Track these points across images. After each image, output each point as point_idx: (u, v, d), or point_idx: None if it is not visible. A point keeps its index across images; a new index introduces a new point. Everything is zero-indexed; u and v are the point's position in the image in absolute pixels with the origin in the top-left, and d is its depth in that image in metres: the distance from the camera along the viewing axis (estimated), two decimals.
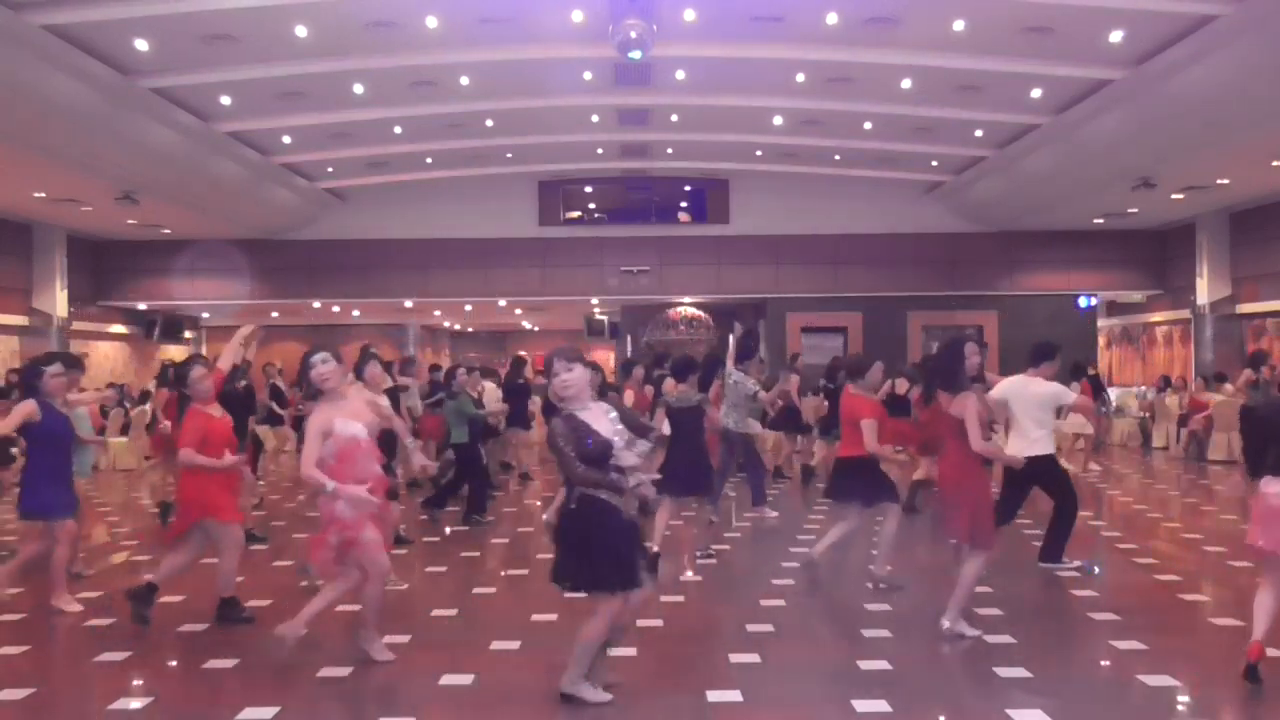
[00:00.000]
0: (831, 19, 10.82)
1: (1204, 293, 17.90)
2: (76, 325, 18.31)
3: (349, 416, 5.28)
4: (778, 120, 15.14)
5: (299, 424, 12.26)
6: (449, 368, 11.91)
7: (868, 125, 14.89)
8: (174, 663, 5.62)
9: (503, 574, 7.78)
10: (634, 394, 11.24)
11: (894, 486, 7.27)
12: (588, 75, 12.97)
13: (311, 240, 19.47)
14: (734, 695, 4.89)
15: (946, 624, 5.81)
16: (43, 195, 15.07)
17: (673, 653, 5.66)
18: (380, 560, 5.35)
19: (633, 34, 10.16)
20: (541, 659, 5.57)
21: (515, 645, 5.79)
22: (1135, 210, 17.23)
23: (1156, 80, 11.43)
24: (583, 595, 4.88)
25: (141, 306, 20.78)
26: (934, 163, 17.09)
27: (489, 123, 15.06)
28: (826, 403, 11.81)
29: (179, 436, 6.32)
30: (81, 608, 6.63)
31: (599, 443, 4.56)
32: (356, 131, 14.86)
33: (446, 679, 5.20)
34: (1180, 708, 4.82)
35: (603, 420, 4.65)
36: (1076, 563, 7.49)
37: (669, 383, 8.66)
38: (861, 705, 4.70)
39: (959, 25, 10.86)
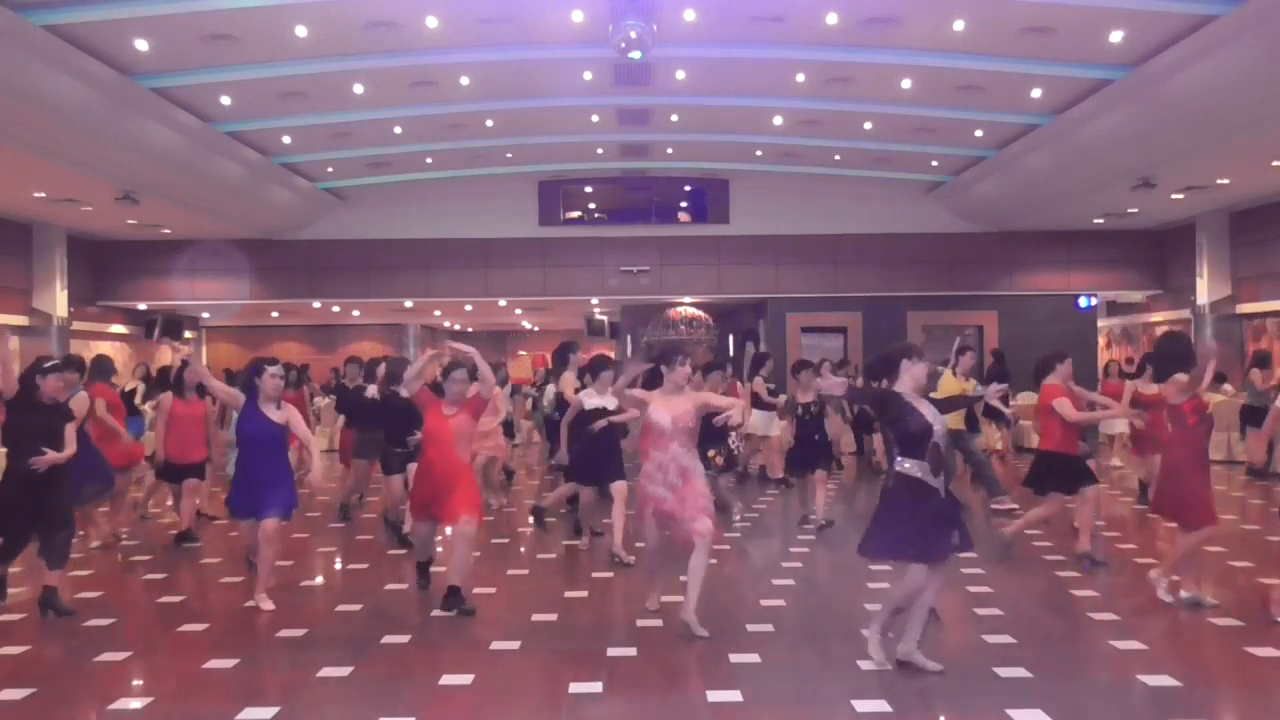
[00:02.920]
0: (831, 19, 10.81)
1: (1204, 293, 17.89)
2: (76, 325, 18.30)
3: (663, 408, 6.10)
4: (778, 120, 15.13)
5: None
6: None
7: (868, 125, 14.88)
8: (174, 663, 5.62)
9: (503, 574, 7.78)
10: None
11: (1091, 471, 8.09)
12: (588, 75, 12.96)
13: (311, 240, 19.45)
14: (734, 695, 4.89)
15: (1184, 594, 6.48)
16: (43, 195, 15.05)
17: (673, 653, 5.66)
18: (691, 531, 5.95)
19: (633, 34, 10.14)
20: (541, 659, 5.58)
21: (515, 645, 5.79)
22: (1135, 210, 17.22)
23: (1156, 80, 11.43)
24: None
25: (141, 306, 20.77)
26: (934, 163, 17.08)
27: (489, 123, 15.05)
28: None
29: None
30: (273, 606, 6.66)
31: (921, 424, 5.10)
32: (356, 131, 14.84)
33: (446, 679, 5.21)
34: (1180, 708, 4.82)
35: (925, 406, 5.22)
36: None
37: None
38: (861, 705, 4.70)
39: (959, 25, 10.85)
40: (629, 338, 22.88)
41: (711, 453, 9.73)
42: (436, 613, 6.54)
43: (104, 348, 19.72)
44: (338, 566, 8.25)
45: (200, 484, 9.54)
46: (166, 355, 9.73)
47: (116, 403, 9.57)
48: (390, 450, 9.31)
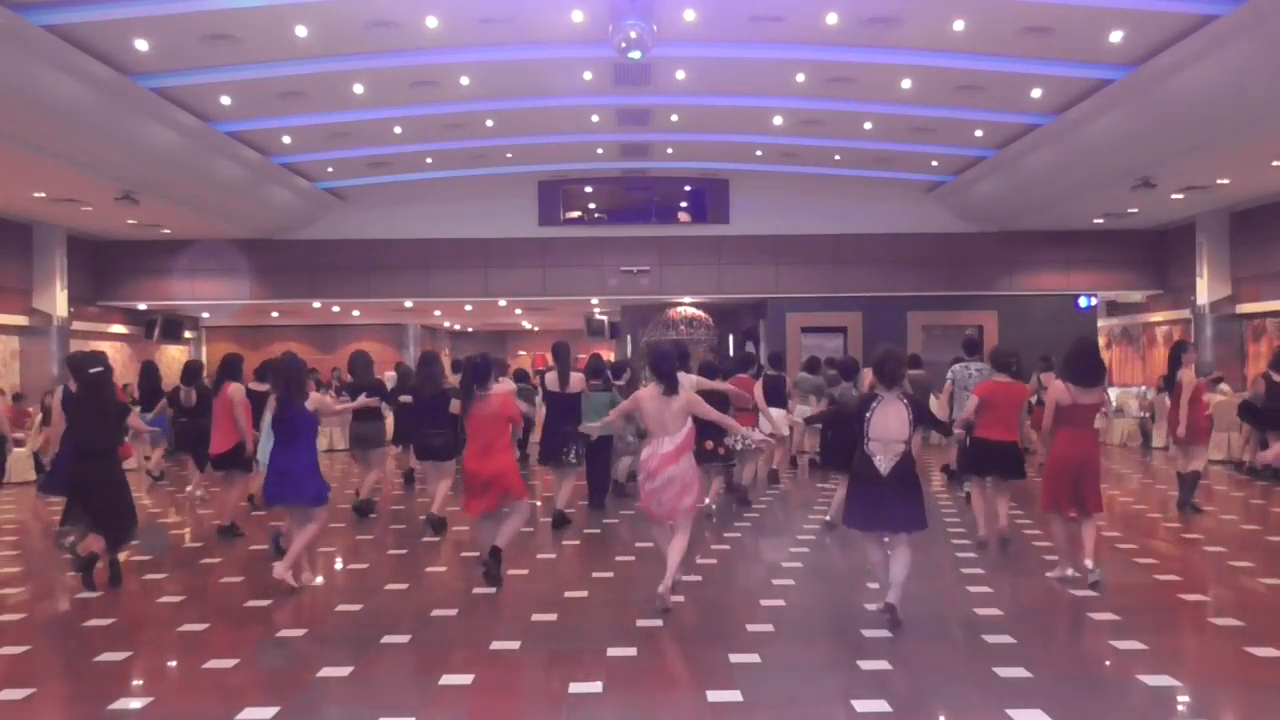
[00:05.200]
0: (831, 19, 10.82)
1: (1204, 293, 17.90)
2: (76, 325, 18.32)
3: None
4: (778, 120, 15.14)
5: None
6: (616, 362, 12.72)
7: (868, 125, 14.89)
8: (174, 663, 5.62)
9: (504, 573, 7.76)
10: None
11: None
12: (588, 75, 12.97)
13: (311, 240, 19.47)
14: (734, 695, 4.89)
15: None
16: (43, 195, 15.06)
17: (673, 653, 5.66)
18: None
19: (633, 34, 10.15)
20: (541, 659, 5.58)
21: (515, 645, 5.79)
22: (1135, 210, 17.23)
23: (1156, 80, 11.43)
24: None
25: (141, 306, 20.78)
26: (934, 163, 17.09)
27: (489, 123, 15.06)
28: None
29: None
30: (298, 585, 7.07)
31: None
32: (356, 131, 14.85)
33: (446, 679, 5.20)
34: (1180, 708, 4.82)
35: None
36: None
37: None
38: (861, 705, 4.70)
39: (959, 25, 10.86)
40: (629, 338, 22.89)
41: (709, 443, 9.52)
42: (436, 612, 6.54)
43: (104, 348, 19.76)
44: (338, 566, 8.25)
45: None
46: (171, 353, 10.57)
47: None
48: (429, 435, 9.63)
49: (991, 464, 8.44)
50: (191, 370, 11.12)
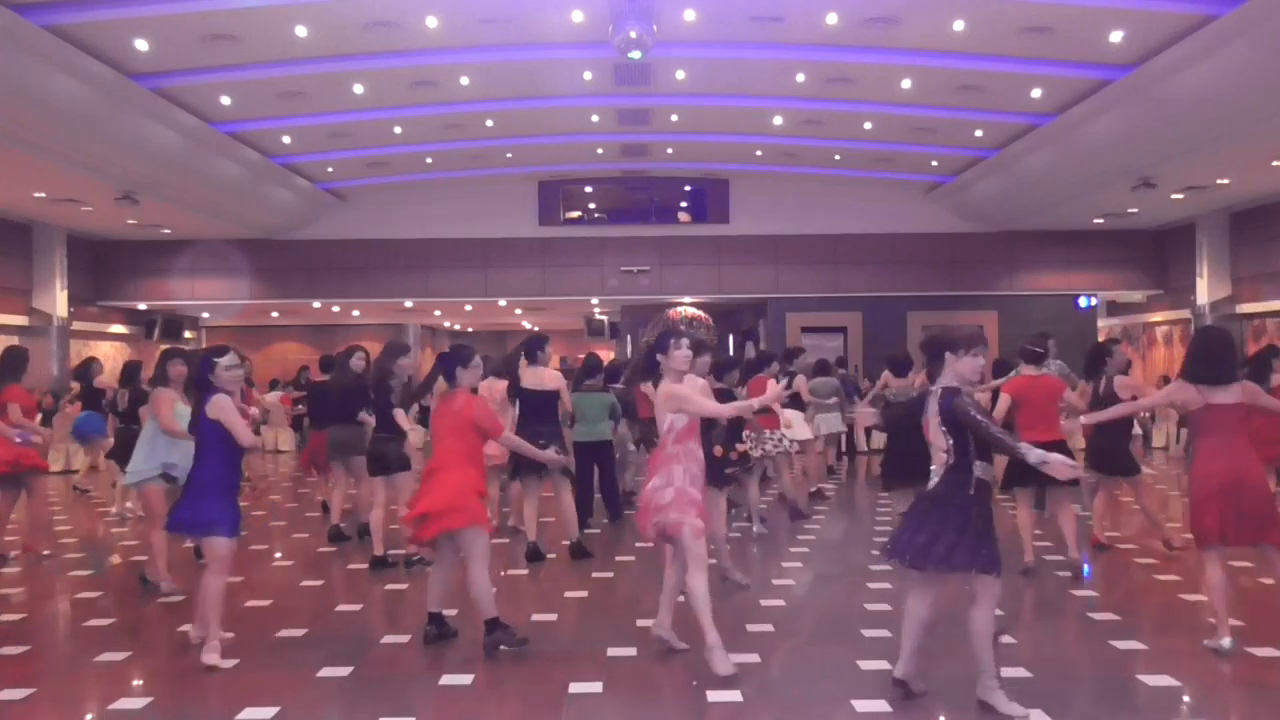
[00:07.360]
0: (831, 19, 10.82)
1: (1204, 293, 17.90)
2: (76, 325, 18.31)
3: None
4: (778, 120, 15.14)
5: (298, 423, 12.29)
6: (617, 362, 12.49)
7: (868, 125, 14.89)
8: (174, 663, 5.62)
9: (502, 574, 7.76)
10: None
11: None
12: (588, 75, 12.97)
13: (311, 240, 19.46)
14: (734, 695, 4.89)
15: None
16: (43, 195, 15.06)
17: (673, 653, 5.66)
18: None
19: (632, 34, 10.15)
20: (541, 659, 5.57)
21: None
22: (1135, 210, 17.23)
23: (1156, 80, 11.43)
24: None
25: (141, 306, 20.77)
26: (934, 163, 17.09)
27: (489, 123, 15.06)
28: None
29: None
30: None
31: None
32: (356, 131, 14.85)
33: (446, 679, 5.21)
34: (1180, 708, 4.81)
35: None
36: None
37: (885, 375, 10.04)
38: (861, 705, 4.70)
39: (959, 25, 10.86)
40: (629, 338, 22.88)
41: (719, 449, 7.85)
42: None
43: (104, 348, 19.77)
44: (337, 567, 8.25)
45: None
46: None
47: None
48: (377, 441, 8.22)
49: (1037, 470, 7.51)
50: (129, 371, 9.81)
